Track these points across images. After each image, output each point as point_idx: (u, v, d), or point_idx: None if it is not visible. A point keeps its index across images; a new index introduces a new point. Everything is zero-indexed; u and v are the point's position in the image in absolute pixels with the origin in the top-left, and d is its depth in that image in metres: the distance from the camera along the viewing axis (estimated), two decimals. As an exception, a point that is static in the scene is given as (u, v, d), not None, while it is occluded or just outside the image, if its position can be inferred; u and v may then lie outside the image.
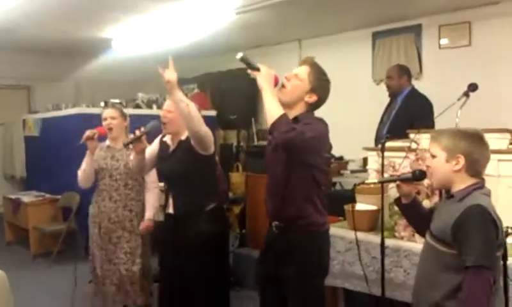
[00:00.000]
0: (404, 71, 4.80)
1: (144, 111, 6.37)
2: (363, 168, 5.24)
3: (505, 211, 2.18)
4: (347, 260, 3.10)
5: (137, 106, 6.68)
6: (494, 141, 2.94)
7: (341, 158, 5.88)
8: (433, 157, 2.09)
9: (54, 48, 7.67)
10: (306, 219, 2.44)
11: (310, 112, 2.50)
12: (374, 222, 3.16)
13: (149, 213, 3.60)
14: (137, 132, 2.98)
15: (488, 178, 2.84)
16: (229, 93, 7.48)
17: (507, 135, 3.08)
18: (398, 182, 2.29)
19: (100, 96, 6.85)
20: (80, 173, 3.63)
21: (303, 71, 2.49)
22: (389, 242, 2.88)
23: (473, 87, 3.88)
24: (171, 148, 3.13)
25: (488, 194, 2.03)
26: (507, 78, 5.32)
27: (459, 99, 3.77)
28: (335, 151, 5.76)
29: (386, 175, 2.78)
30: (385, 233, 2.80)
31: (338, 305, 3.53)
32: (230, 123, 7.49)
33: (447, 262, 1.96)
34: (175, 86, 2.78)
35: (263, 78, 2.36)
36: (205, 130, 2.94)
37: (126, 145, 3.12)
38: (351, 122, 6.19)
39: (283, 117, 2.27)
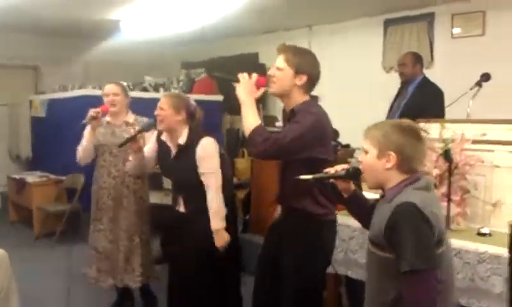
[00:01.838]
0: (418, 59, 4.74)
1: (151, 95, 6.32)
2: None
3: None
4: (350, 248, 3.06)
5: (144, 89, 6.64)
6: (506, 133, 2.89)
7: (348, 145, 5.81)
8: (365, 152, 1.95)
9: (62, 30, 7.62)
10: (303, 209, 2.45)
11: (307, 98, 2.45)
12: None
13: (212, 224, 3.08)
14: (132, 131, 2.96)
15: (499, 169, 2.82)
16: (237, 77, 7.41)
17: (520, 126, 3.00)
18: (332, 180, 2.16)
19: (107, 78, 6.74)
20: (80, 149, 3.59)
21: (280, 60, 2.44)
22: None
23: (486, 77, 3.82)
24: (173, 152, 3.09)
25: (423, 188, 1.85)
26: (521, 69, 5.23)
27: (471, 89, 3.72)
28: (342, 139, 5.72)
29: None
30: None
31: (341, 292, 3.50)
32: (236, 108, 7.42)
33: (386, 267, 1.81)
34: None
35: (241, 89, 2.38)
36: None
37: (121, 146, 3.11)
38: (359, 109, 6.11)
39: (256, 129, 2.28)
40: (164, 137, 3.13)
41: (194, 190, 3.00)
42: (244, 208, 5.21)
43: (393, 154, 1.85)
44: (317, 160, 2.35)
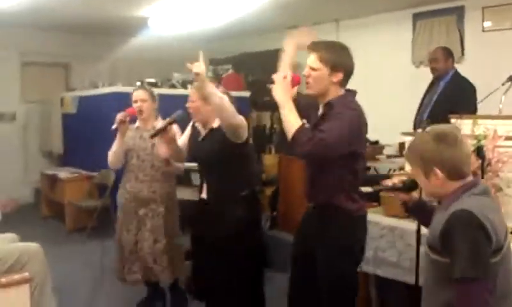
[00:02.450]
0: (449, 54, 4.66)
1: (180, 91, 6.37)
2: (400, 153, 5.14)
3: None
4: (380, 247, 3.04)
5: (173, 86, 6.70)
6: (538, 129, 2.83)
7: (376, 142, 5.77)
8: (416, 175, 1.94)
9: (91, 27, 7.75)
10: (337, 205, 2.43)
11: (343, 91, 2.42)
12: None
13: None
14: (163, 122, 2.98)
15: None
16: (264, 74, 7.42)
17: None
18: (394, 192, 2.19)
19: (136, 75, 6.90)
20: (110, 153, 3.64)
21: (313, 60, 2.39)
22: (425, 229, 2.80)
23: (518, 72, 3.72)
24: (202, 134, 3.10)
25: (481, 193, 1.83)
26: (555, 63, 5.09)
27: (503, 84, 3.63)
28: (371, 135, 5.66)
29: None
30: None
31: (370, 291, 3.48)
32: (264, 105, 7.44)
33: (441, 271, 1.79)
34: (204, 79, 2.74)
35: (277, 90, 2.35)
36: (239, 121, 2.87)
37: (153, 136, 3.12)
38: (388, 106, 6.07)
39: (300, 129, 2.26)
40: (197, 123, 3.17)
41: (219, 174, 3.00)
42: (271, 205, 5.22)
43: (437, 170, 1.83)
44: (350, 154, 2.35)
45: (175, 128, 3.32)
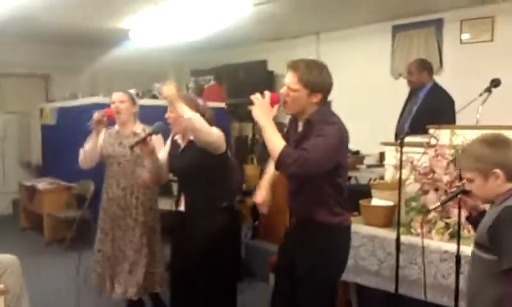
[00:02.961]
0: (424, 67, 4.70)
1: (161, 102, 6.32)
2: (380, 163, 5.18)
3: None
4: (360, 255, 3.05)
5: (154, 97, 6.67)
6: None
7: (357, 152, 5.81)
8: (470, 181, 1.98)
9: (72, 38, 7.70)
10: (318, 220, 2.44)
11: (322, 106, 2.42)
12: (390, 218, 3.10)
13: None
14: (142, 134, 2.96)
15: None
16: (245, 85, 7.44)
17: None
18: (461, 196, 2.19)
19: (117, 86, 6.79)
20: (82, 151, 3.59)
21: (292, 80, 2.36)
22: (404, 238, 2.82)
23: (495, 82, 3.79)
24: (182, 146, 3.08)
25: None
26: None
27: (481, 95, 3.69)
28: (352, 146, 5.70)
29: (404, 171, 2.73)
30: (401, 229, 2.74)
31: (351, 300, 3.49)
32: (245, 116, 7.46)
33: (489, 269, 1.86)
34: (175, 99, 2.74)
35: (257, 110, 2.31)
36: (214, 138, 2.83)
37: (132, 148, 3.05)
38: (368, 116, 6.13)
39: (284, 151, 2.22)
40: (177, 136, 3.13)
41: (198, 186, 2.97)
42: (253, 215, 5.21)
43: (498, 171, 1.89)
44: (334, 168, 2.35)
45: (160, 139, 3.30)
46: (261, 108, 2.32)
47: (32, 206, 6.64)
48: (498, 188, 1.92)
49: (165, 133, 3.25)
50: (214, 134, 2.83)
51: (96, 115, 3.47)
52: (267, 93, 2.36)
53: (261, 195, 2.75)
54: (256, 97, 2.34)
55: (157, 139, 3.27)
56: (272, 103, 2.36)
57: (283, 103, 2.41)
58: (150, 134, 3.02)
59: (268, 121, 2.30)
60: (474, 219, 2.21)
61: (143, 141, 2.98)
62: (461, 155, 2.04)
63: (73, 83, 7.90)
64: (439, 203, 2.33)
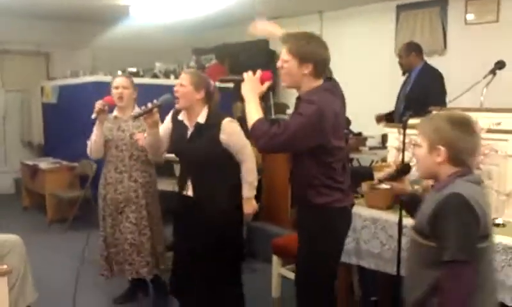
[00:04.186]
0: (411, 49, 4.80)
1: (162, 81, 6.32)
2: (382, 145, 5.17)
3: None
4: (362, 238, 3.06)
5: (155, 76, 6.64)
6: (521, 121, 2.86)
7: (360, 134, 5.79)
8: (418, 146, 1.95)
9: (72, 15, 7.64)
10: (308, 200, 2.46)
11: (319, 83, 2.41)
12: (392, 201, 3.09)
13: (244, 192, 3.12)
14: (149, 105, 2.93)
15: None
16: (247, 64, 7.38)
17: (535, 115, 2.97)
18: (388, 182, 2.20)
19: (118, 64, 6.81)
20: (90, 143, 3.58)
21: (284, 51, 2.42)
22: (406, 221, 2.82)
23: (500, 64, 3.77)
24: (189, 130, 3.04)
25: (475, 181, 1.87)
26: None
27: (485, 77, 3.67)
28: (354, 127, 5.70)
29: (407, 153, 2.71)
30: (403, 212, 2.74)
31: (353, 282, 3.51)
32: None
33: (427, 256, 1.82)
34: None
35: (246, 87, 2.41)
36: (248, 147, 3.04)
37: (136, 117, 3.06)
38: (372, 97, 6.09)
39: (256, 123, 2.30)
40: (181, 116, 3.09)
41: (207, 171, 2.98)
42: (255, 196, 5.21)
43: (443, 149, 1.85)
44: (317, 148, 2.34)
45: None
46: (249, 84, 2.41)
47: (35, 185, 6.66)
48: (437, 166, 1.88)
49: (171, 108, 3.18)
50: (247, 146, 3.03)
51: (98, 105, 3.43)
52: (258, 71, 2.44)
53: None
54: (247, 74, 2.43)
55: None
56: (262, 81, 2.43)
57: (280, 77, 2.46)
58: (157, 106, 2.98)
59: (252, 95, 2.39)
60: (406, 202, 2.23)
61: (150, 112, 2.95)
62: (427, 119, 1.98)
63: (74, 61, 7.86)
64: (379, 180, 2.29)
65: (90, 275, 4.00)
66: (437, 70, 4.69)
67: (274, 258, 3.87)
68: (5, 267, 2.92)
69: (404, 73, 4.84)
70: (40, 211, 6.48)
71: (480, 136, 2.04)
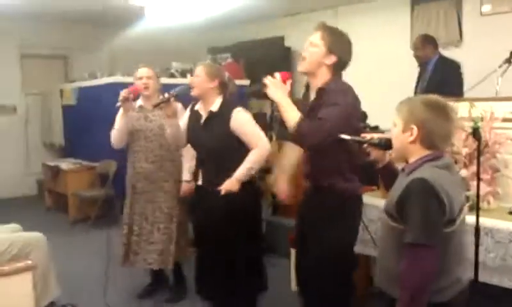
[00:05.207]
0: (428, 41, 4.84)
1: (178, 80, 6.38)
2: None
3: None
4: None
5: (172, 75, 6.70)
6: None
7: (376, 127, 5.77)
8: (394, 125, 1.98)
9: (89, 18, 7.75)
10: (330, 186, 2.49)
11: (335, 76, 2.48)
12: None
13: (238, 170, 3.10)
14: (166, 95, 2.99)
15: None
16: (263, 61, 7.41)
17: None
18: (366, 145, 2.20)
19: (135, 65, 6.87)
20: (114, 132, 3.60)
21: (316, 37, 2.49)
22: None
23: (515, 54, 3.75)
24: (203, 117, 3.11)
25: (443, 167, 1.87)
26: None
27: (500, 66, 3.66)
28: (371, 121, 5.69)
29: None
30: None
31: (371, 270, 3.52)
32: (264, 93, 7.44)
33: (397, 237, 1.83)
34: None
35: (273, 90, 2.42)
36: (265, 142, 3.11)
37: (155, 106, 3.14)
38: (387, 91, 6.06)
39: (300, 122, 2.33)
40: (197, 106, 3.17)
41: (216, 158, 3.04)
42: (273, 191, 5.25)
43: (415, 128, 1.88)
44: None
45: (180, 108, 3.32)
46: (275, 86, 2.43)
47: (57, 186, 6.79)
48: (408, 146, 1.90)
49: (187, 98, 3.24)
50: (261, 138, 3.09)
51: (123, 93, 3.46)
52: (276, 74, 2.47)
53: (283, 188, 2.86)
54: (268, 79, 2.45)
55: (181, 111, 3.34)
56: (284, 80, 2.46)
57: (301, 60, 2.51)
58: (174, 96, 3.04)
59: (282, 97, 2.41)
60: (382, 170, 2.23)
61: (167, 101, 3.02)
62: (405, 100, 2.00)
63: (92, 63, 7.96)
64: (349, 137, 2.24)
65: (113, 273, 4.06)
66: (454, 61, 4.72)
67: (292, 252, 3.90)
68: (29, 262, 3.01)
69: (420, 65, 4.85)
70: (63, 211, 6.59)
71: (457, 124, 2.07)
